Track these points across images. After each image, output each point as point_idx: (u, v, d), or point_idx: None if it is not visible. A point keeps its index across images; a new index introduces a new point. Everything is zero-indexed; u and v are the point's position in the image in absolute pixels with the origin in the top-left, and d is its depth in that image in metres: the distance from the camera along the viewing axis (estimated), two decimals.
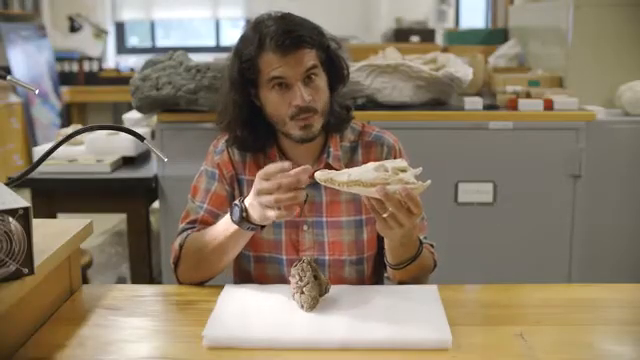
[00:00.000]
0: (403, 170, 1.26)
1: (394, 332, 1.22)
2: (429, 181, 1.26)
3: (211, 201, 1.58)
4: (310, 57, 1.46)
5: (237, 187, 1.59)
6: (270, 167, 1.32)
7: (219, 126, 1.60)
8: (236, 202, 1.41)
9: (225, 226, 1.44)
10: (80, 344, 1.23)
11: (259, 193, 1.33)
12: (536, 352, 1.18)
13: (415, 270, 1.51)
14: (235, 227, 1.41)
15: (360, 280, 1.58)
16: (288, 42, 1.43)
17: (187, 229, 1.58)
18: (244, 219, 1.39)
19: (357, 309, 1.30)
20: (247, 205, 1.38)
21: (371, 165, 1.28)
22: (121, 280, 3.25)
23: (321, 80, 1.50)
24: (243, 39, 1.51)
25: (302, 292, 1.31)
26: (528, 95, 2.76)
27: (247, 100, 1.52)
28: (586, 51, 2.92)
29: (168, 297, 1.49)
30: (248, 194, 1.56)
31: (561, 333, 1.27)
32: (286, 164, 1.31)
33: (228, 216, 1.43)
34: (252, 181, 1.55)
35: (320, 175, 1.25)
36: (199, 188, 1.61)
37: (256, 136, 1.55)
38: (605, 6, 2.88)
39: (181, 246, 1.54)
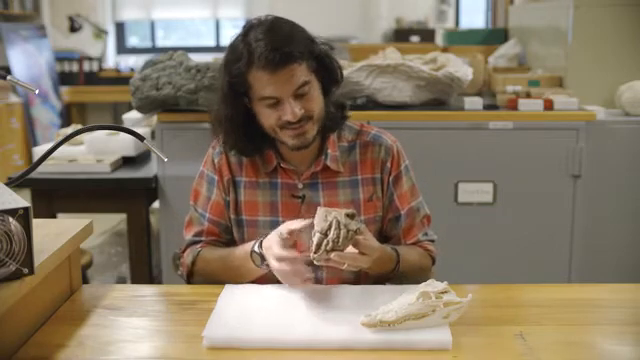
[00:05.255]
0: (445, 292, 1.27)
1: (394, 332, 1.22)
2: (470, 296, 1.26)
3: (212, 210, 1.61)
4: (300, 72, 1.44)
5: (233, 191, 1.60)
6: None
7: (215, 134, 1.61)
8: (255, 250, 1.46)
9: (242, 260, 1.50)
10: (80, 344, 1.23)
11: (280, 271, 1.40)
12: (536, 352, 1.18)
13: (408, 272, 1.54)
14: (251, 264, 1.48)
15: (357, 278, 1.58)
16: (277, 59, 1.41)
17: (195, 242, 1.62)
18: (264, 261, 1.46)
19: (357, 309, 1.30)
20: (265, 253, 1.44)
21: (410, 295, 1.27)
22: (121, 280, 3.25)
23: (314, 90, 1.49)
24: (232, 50, 1.48)
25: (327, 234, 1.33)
26: (528, 95, 2.76)
27: (240, 109, 1.52)
28: (586, 51, 2.91)
29: (168, 297, 1.49)
30: (245, 198, 1.57)
31: (561, 333, 1.27)
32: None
33: (246, 249, 1.49)
34: (249, 182, 1.58)
35: (368, 322, 1.23)
36: (200, 193, 1.63)
37: (252, 141, 1.55)
38: (605, 6, 2.88)
39: (193, 263, 1.59)
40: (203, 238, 1.61)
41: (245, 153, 1.58)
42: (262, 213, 1.57)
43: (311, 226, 1.53)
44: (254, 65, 1.43)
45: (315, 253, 1.32)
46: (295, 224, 1.41)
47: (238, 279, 1.54)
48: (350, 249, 1.35)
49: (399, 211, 1.61)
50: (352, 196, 1.58)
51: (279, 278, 1.42)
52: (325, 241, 1.32)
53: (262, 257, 1.45)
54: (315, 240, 1.32)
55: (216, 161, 1.60)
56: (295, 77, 1.44)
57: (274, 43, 1.42)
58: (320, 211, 1.38)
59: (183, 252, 1.63)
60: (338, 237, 1.32)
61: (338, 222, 1.33)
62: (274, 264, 1.40)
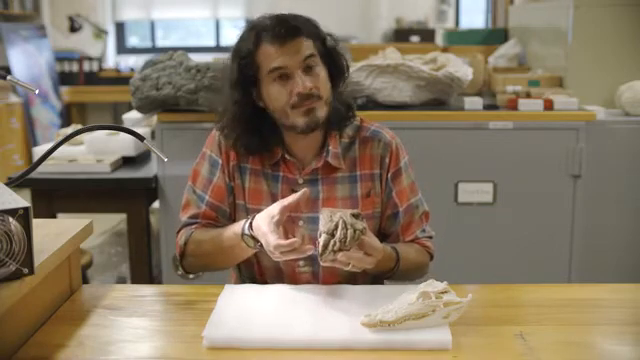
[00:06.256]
0: (445, 292, 1.27)
1: (394, 332, 1.22)
2: (470, 296, 1.26)
3: (212, 193, 1.60)
4: (307, 46, 1.48)
5: (239, 177, 1.59)
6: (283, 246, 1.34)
7: (222, 133, 1.59)
8: (246, 232, 1.45)
9: (233, 241, 1.49)
10: (80, 344, 1.23)
11: (272, 253, 1.38)
12: (536, 352, 1.18)
13: (406, 270, 1.55)
14: (244, 244, 1.47)
15: (353, 276, 1.57)
16: (284, 31, 1.45)
17: (189, 224, 1.61)
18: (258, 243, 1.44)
19: (357, 309, 1.30)
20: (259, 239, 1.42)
21: (410, 295, 1.27)
22: (121, 280, 3.25)
23: (321, 70, 1.51)
24: (240, 39, 1.53)
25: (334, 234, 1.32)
26: (528, 95, 2.76)
27: (249, 100, 1.53)
28: (586, 51, 2.91)
29: (168, 297, 1.49)
30: (251, 185, 1.58)
31: (561, 333, 1.27)
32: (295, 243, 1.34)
33: (236, 231, 1.48)
34: (255, 170, 1.59)
35: (368, 322, 1.23)
36: (200, 174, 1.62)
37: (261, 138, 1.55)
38: (605, 6, 2.88)
39: (185, 243, 1.58)
40: (199, 220, 1.60)
41: (249, 150, 1.58)
42: (265, 202, 1.56)
43: (307, 220, 1.54)
44: (262, 41, 1.47)
45: (322, 254, 1.32)
46: (287, 200, 1.40)
47: (232, 260, 1.55)
48: (355, 249, 1.35)
49: (397, 208, 1.61)
50: (350, 192, 1.58)
51: (272, 258, 1.41)
52: (332, 241, 1.31)
53: (253, 238, 1.44)
54: (321, 241, 1.32)
55: (223, 144, 1.60)
56: (302, 49, 1.47)
57: (280, 17, 1.48)
58: (325, 211, 1.38)
59: (177, 233, 1.63)
60: (345, 237, 1.31)
61: (344, 222, 1.33)
62: (268, 248, 1.38)
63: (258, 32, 1.48)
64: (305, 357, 1.19)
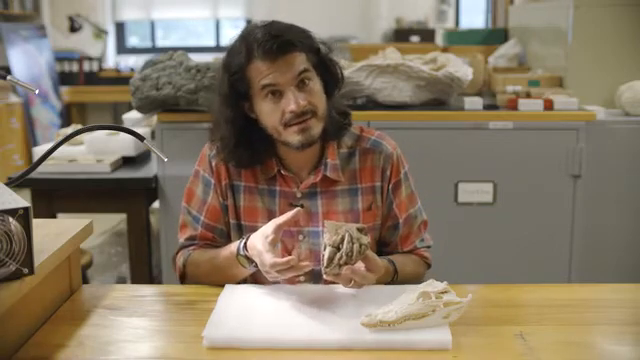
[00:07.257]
0: (445, 292, 1.26)
1: (394, 332, 1.22)
2: (470, 296, 1.26)
3: (207, 213, 1.58)
4: (300, 61, 1.43)
5: (231, 196, 1.57)
6: (277, 264, 1.33)
7: (214, 144, 1.57)
8: (240, 253, 1.44)
9: (230, 261, 1.47)
10: (80, 344, 1.23)
11: (268, 272, 1.36)
12: (536, 352, 1.18)
13: (401, 282, 1.52)
14: (241, 266, 1.46)
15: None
16: (275, 47, 1.40)
17: (187, 246, 1.60)
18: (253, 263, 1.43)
19: (357, 309, 1.31)
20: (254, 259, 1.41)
21: (410, 295, 1.27)
22: (121, 280, 3.24)
23: (315, 83, 1.47)
24: (231, 51, 1.48)
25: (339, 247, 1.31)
26: (528, 95, 2.76)
27: (240, 114, 1.50)
28: (586, 51, 2.91)
29: (168, 297, 1.49)
30: (245, 203, 1.55)
31: (561, 333, 1.27)
32: (292, 260, 1.32)
33: (232, 250, 1.46)
34: (249, 187, 1.56)
35: (368, 322, 1.22)
36: (194, 194, 1.60)
37: (252, 151, 1.52)
38: (605, 6, 2.88)
39: (184, 265, 1.57)
40: (196, 242, 1.59)
41: (241, 164, 1.54)
42: (262, 219, 1.53)
43: (309, 235, 1.53)
44: (253, 57, 1.42)
45: (327, 267, 1.30)
46: (282, 219, 1.38)
47: (229, 280, 1.51)
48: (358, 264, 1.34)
49: (397, 219, 1.60)
50: (351, 205, 1.56)
51: (268, 278, 1.39)
52: (338, 255, 1.30)
53: (248, 258, 1.43)
54: (327, 254, 1.30)
55: (213, 163, 1.57)
56: (295, 65, 1.42)
57: (272, 32, 1.42)
58: (329, 224, 1.36)
59: (176, 254, 1.62)
60: (351, 251, 1.30)
61: (350, 236, 1.32)
62: (263, 268, 1.37)
63: (249, 46, 1.42)
64: (305, 357, 1.19)
